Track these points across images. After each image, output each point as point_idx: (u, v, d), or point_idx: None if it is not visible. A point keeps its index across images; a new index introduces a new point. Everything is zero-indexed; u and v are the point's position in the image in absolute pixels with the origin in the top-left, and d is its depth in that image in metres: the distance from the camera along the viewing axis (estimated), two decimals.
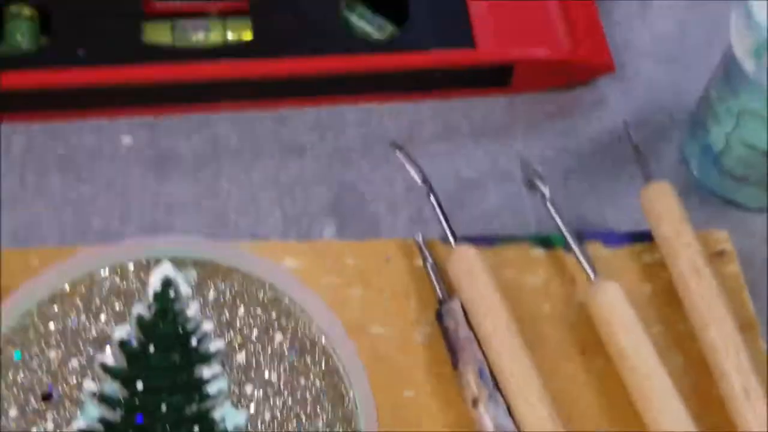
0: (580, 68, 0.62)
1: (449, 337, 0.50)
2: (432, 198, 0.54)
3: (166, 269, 0.50)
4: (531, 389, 0.48)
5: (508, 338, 0.49)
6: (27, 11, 0.61)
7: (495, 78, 0.63)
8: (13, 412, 0.47)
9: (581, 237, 0.55)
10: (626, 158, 0.60)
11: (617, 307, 0.50)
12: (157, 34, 0.61)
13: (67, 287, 0.50)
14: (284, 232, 0.57)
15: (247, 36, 0.62)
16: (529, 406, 0.48)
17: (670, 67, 0.65)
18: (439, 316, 0.51)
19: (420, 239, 0.54)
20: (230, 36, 0.62)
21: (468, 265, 0.51)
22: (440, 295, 0.52)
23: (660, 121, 0.63)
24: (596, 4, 0.64)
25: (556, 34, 0.62)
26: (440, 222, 0.53)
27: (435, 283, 0.52)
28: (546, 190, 0.54)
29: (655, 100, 0.64)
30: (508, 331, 0.49)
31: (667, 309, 0.54)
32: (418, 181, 0.54)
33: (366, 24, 0.63)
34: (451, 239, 0.53)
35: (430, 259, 0.53)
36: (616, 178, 0.60)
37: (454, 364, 0.50)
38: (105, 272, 0.50)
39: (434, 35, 0.61)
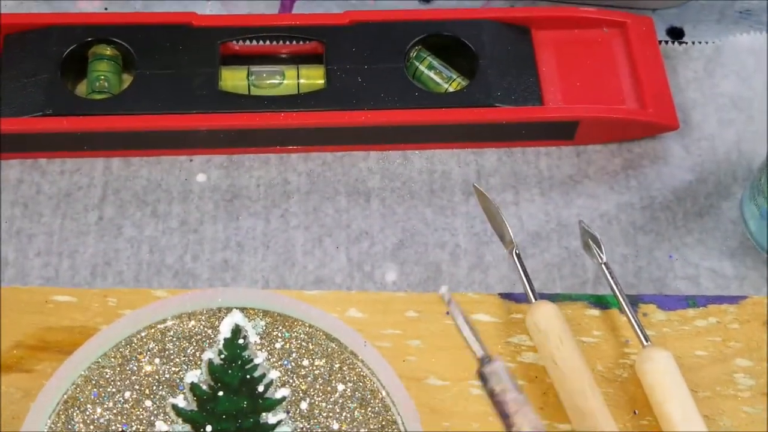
0: (645, 126, 0.66)
1: (496, 400, 0.49)
2: (515, 256, 0.58)
3: (236, 318, 0.55)
4: None
5: (593, 397, 0.53)
6: (110, 51, 0.66)
7: (560, 131, 0.66)
8: None
9: (636, 300, 0.59)
10: (686, 215, 0.64)
11: (667, 376, 0.54)
12: (234, 80, 0.66)
13: (142, 332, 0.55)
14: (349, 274, 0.62)
15: (320, 81, 0.66)
16: None
17: (734, 126, 0.68)
18: (483, 378, 0.49)
19: (448, 295, 0.50)
20: (303, 82, 0.66)
21: (553, 322, 0.55)
22: (479, 354, 0.49)
23: (722, 177, 0.66)
24: (664, 63, 0.67)
25: (623, 94, 0.66)
26: (521, 278, 0.58)
27: (473, 340, 0.50)
28: (602, 256, 0.58)
29: (718, 158, 0.67)
30: (591, 389, 0.53)
31: (718, 373, 0.57)
32: (510, 235, 0.58)
33: (434, 75, 0.67)
34: (531, 296, 0.57)
35: (461, 316, 0.53)
36: (677, 234, 0.64)
37: (507, 429, 0.49)
38: (178, 318, 0.55)
39: (502, 89, 0.65)
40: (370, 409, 0.53)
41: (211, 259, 0.62)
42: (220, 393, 0.53)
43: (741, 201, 0.65)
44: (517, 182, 0.66)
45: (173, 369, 0.54)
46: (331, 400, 0.53)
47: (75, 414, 0.52)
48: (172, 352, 0.54)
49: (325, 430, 0.53)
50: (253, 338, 0.55)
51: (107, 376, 0.54)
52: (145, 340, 0.54)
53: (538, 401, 0.56)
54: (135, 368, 0.54)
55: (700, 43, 0.72)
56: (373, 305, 0.59)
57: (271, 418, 0.53)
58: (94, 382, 0.53)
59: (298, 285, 0.61)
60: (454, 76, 0.67)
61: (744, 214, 0.64)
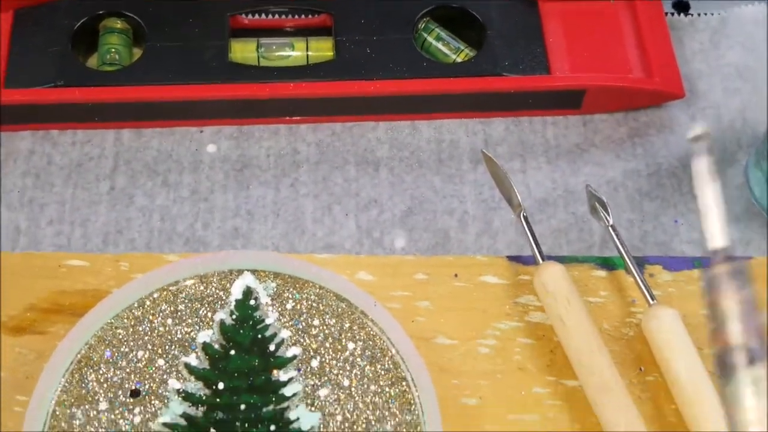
0: (651, 95, 0.67)
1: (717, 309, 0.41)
2: (523, 219, 0.59)
3: (247, 280, 0.56)
4: (627, 409, 0.53)
5: (600, 354, 0.54)
6: (120, 24, 0.67)
7: (567, 100, 0.67)
8: (103, 406, 0.53)
9: (642, 261, 0.60)
10: (692, 181, 0.65)
11: (673, 334, 0.55)
12: (243, 52, 0.67)
13: (155, 293, 0.56)
14: (358, 241, 0.63)
15: (329, 53, 0.67)
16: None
17: (739, 95, 0.69)
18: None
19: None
20: (312, 54, 0.67)
21: (560, 282, 0.56)
22: (719, 243, 0.41)
23: (727, 145, 0.67)
24: (669, 33, 0.69)
25: (630, 63, 0.67)
26: (529, 239, 0.59)
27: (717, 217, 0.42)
28: (609, 218, 0.59)
29: (724, 126, 0.68)
30: (598, 347, 0.54)
31: None
32: (518, 198, 0.59)
33: (442, 46, 0.68)
34: (539, 257, 0.58)
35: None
36: (682, 200, 0.65)
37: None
38: (190, 281, 0.56)
39: (510, 59, 0.66)
40: (380, 366, 0.54)
41: (221, 226, 0.63)
42: (232, 352, 0.54)
43: (746, 167, 0.66)
44: (525, 151, 0.67)
45: (185, 329, 0.55)
46: (342, 358, 0.55)
47: (89, 373, 0.54)
48: (184, 313, 0.55)
49: (335, 386, 0.54)
50: (264, 299, 0.56)
51: (120, 336, 0.55)
52: (157, 301, 0.56)
53: (545, 359, 0.57)
54: (148, 329, 0.55)
55: (705, 14, 0.73)
56: (382, 268, 0.60)
57: (282, 375, 0.54)
58: (107, 342, 0.54)
59: (307, 251, 0.62)
60: (462, 47, 0.68)
61: (749, 180, 0.65)
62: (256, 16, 0.70)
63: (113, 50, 0.67)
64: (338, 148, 0.67)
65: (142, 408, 0.53)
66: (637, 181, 0.66)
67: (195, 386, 0.53)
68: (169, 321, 0.55)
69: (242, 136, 0.67)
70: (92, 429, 0.52)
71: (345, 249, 0.62)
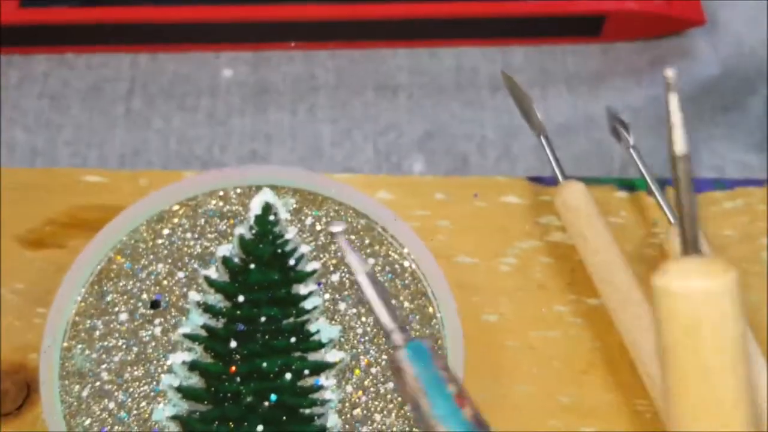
0: (671, 21, 0.67)
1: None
2: (543, 138, 0.59)
3: (266, 195, 0.57)
4: (649, 323, 0.53)
5: (623, 269, 0.55)
6: None
7: (587, 27, 0.68)
8: (123, 317, 0.54)
9: (664, 183, 0.61)
10: (713, 109, 0.66)
11: None
12: None
13: (174, 207, 0.57)
14: (376, 164, 0.64)
15: None
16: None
17: (761, 23, 0.70)
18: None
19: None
20: None
21: (582, 199, 0.57)
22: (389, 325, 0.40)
23: (748, 73, 0.68)
24: None
25: None
26: (550, 157, 0.58)
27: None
28: (630, 138, 0.60)
29: (745, 54, 0.69)
30: (621, 262, 0.55)
31: (746, 252, 0.59)
32: (538, 117, 0.59)
33: None
34: (560, 175, 0.58)
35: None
36: (704, 127, 0.66)
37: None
38: (210, 196, 0.57)
39: None
40: (399, 281, 0.55)
41: (239, 150, 0.64)
42: (252, 265, 0.55)
43: None
44: (544, 79, 0.68)
45: (205, 244, 0.56)
46: None
47: (108, 285, 0.54)
48: (203, 227, 0.56)
49: (355, 300, 0.54)
50: (284, 215, 0.57)
51: (140, 249, 0.55)
52: (176, 215, 0.56)
53: (566, 278, 0.58)
54: (167, 242, 0.56)
55: None
56: (401, 188, 0.61)
57: (302, 289, 0.55)
58: (127, 254, 0.55)
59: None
60: None
61: None
62: None
63: None
64: (357, 73, 0.67)
65: (162, 319, 0.54)
66: (657, 108, 0.66)
67: (215, 299, 0.54)
68: (188, 235, 0.56)
69: (259, 62, 0.68)
70: (113, 339, 0.53)
71: (363, 172, 0.63)
